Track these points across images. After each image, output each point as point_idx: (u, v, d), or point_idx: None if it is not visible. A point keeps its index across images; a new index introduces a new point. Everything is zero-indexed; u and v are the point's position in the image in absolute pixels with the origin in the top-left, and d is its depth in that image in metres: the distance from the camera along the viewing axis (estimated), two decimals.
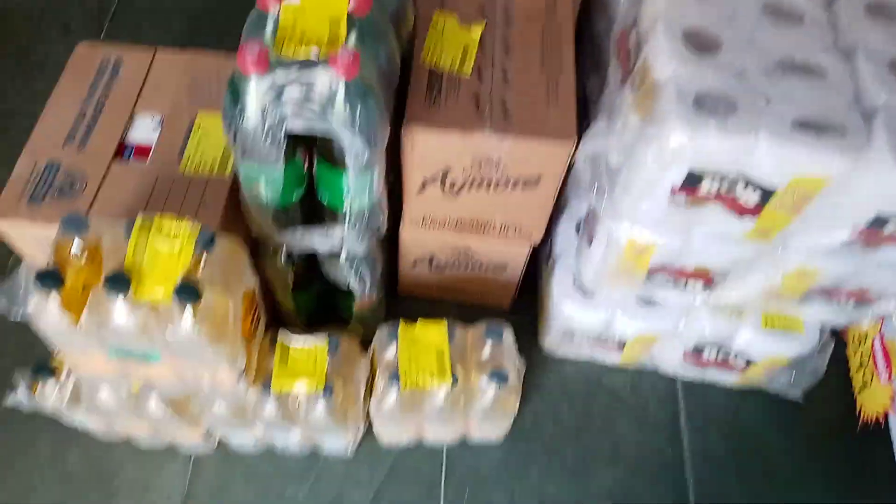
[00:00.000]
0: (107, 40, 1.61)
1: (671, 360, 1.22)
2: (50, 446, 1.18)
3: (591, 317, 1.12)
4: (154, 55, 1.05)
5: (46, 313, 0.76)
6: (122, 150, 0.97)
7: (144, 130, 0.99)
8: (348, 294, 1.11)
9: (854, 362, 1.26)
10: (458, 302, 1.29)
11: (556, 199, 1.14)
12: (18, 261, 0.97)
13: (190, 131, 0.99)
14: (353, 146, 0.75)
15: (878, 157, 0.74)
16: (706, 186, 0.80)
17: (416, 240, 1.10)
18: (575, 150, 0.87)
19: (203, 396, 0.98)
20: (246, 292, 0.84)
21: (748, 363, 1.15)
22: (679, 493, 1.19)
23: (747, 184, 0.79)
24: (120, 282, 0.75)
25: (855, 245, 0.86)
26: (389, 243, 1.14)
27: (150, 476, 1.17)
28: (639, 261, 0.97)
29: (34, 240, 0.92)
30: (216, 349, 0.81)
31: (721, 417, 1.25)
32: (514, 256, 1.11)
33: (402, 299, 1.30)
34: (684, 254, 0.94)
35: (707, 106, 0.76)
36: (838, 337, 1.23)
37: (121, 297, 0.75)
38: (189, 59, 1.04)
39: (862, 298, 1.00)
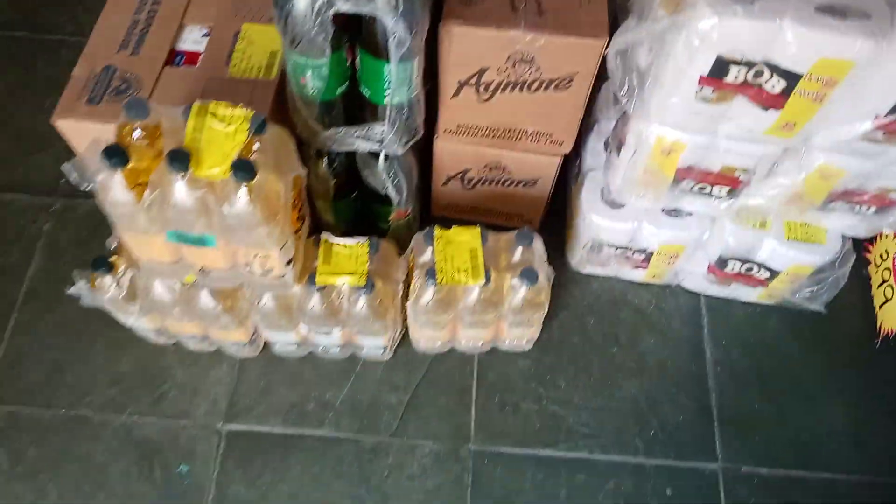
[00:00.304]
0: None
1: (695, 275, 1.26)
2: (104, 351, 1.25)
3: (618, 228, 1.16)
4: None
5: (112, 189, 0.82)
6: (172, 56, 1.03)
7: (193, 40, 1.05)
8: (384, 206, 1.16)
9: (876, 279, 1.29)
10: (490, 222, 1.33)
11: (586, 117, 1.18)
12: None
13: (236, 40, 1.04)
14: (395, 31, 0.80)
15: None
16: (733, 74, 0.84)
17: (449, 152, 1.14)
18: (606, 48, 0.91)
19: (252, 289, 1.04)
20: (295, 177, 0.90)
21: (771, 275, 1.19)
22: (702, 404, 1.23)
23: (773, 72, 0.83)
24: (181, 158, 0.80)
25: (876, 137, 0.89)
26: (424, 161, 1.19)
27: (198, 380, 1.24)
28: (666, 163, 1.01)
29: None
30: (267, 229, 0.86)
31: (744, 332, 1.29)
32: (544, 168, 1.15)
33: (435, 220, 1.35)
34: (710, 153, 0.98)
35: None
36: (860, 255, 1.26)
37: (181, 174, 0.81)
38: None
39: (882, 203, 1.03)
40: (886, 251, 1.26)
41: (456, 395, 1.23)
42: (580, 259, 1.28)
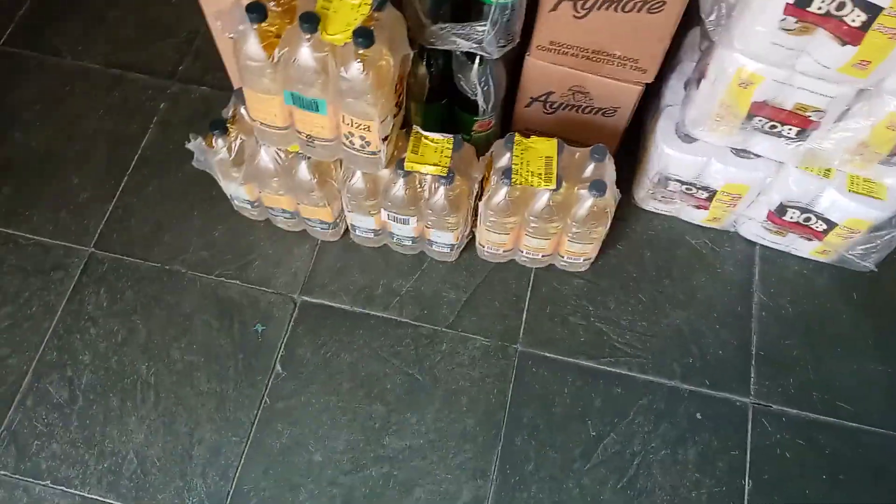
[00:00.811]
0: None
1: (754, 223, 1.32)
2: (202, 218, 1.39)
3: (688, 161, 1.23)
4: None
5: (248, 41, 0.94)
6: None
7: None
8: (471, 115, 1.26)
9: None
10: None
11: (670, 57, 1.25)
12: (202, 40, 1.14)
13: None
14: None
15: None
16: (817, 4, 0.90)
17: (538, 70, 1.23)
18: None
19: (347, 165, 1.15)
20: (404, 56, 1.00)
21: (828, 227, 1.24)
22: (743, 342, 1.29)
23: (855, 5, 0.89)
24: (311, 20, 0.92)
25: None
26: (510, 81, 1.28)
27: (282, 254, 1.36)
28: (742, 95, 1.08)
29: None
30: (374, 98, 0.97)
31: (794, 283, 1.35)
32: (625, 96, 1.23)
33: None
34: (785, 90, 1.05)
35: None
36: None
37: (308, 35, 0.93)
38: None
39: None
40: None
41: (510, 301, 1.32)
42: (646, 194, 1.36)
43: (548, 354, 1.28)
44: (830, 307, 1.33)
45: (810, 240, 1.30)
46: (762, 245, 1.37)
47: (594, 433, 1.22)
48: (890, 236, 1.21)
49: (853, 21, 0.91)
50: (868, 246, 1.25)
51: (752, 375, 1.26)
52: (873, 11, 0.89)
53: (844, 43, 0.94)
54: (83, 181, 1.43)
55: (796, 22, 0.94)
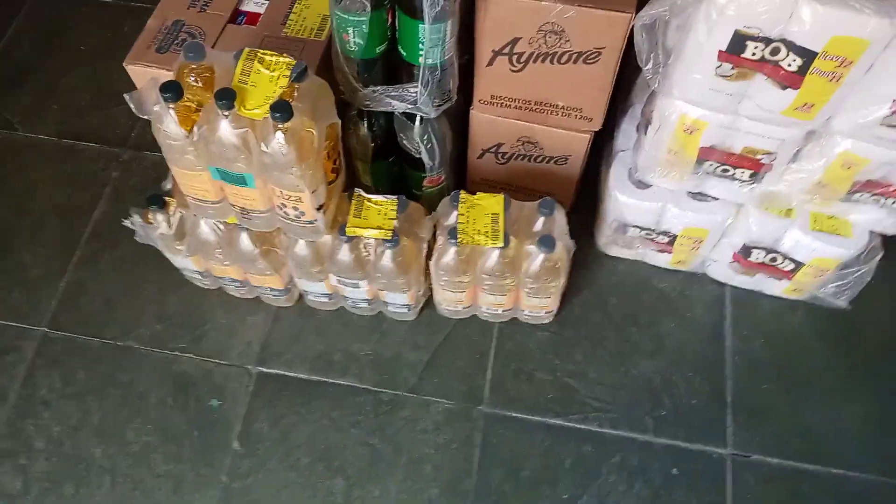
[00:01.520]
0: None
1: (721, 264, 1.27)
2: (154, 290, 1.36)
3: (644, 207, 1.19)
4: None
5: (166, 121, 0.91)
6: (235, 15, 1.13)
7: (255, 2, 1.14)
8: (419, 172, 1.23)
9: None
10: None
11: (621, 101, 1.22)
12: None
13: (294, 3, 1.13)
14: None
15: None
16: (750, 50, 0.87)
17: (484, 124, 1.20)
18: (633, 22, 0.95)
19: (287, 234, 1.11)
20: (330, 125, 0.97)
21: (796, 266, 1.19)
22: (716, 390, 1.24)
23: (789, 50, 0.85)
24: (228, 96, 0.88)
25: (894, 122, 0.90)
26: (460, 134, 1.25)
27: (236, 323, 1.32)
28: (689, 141, 1.04)
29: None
30: (300, 171, 0.94)
31: (766, 324, 1.29)
32: (575, 144, 1.19)
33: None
34: (732, 133, 1.01)
35: None
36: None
37: (226, 111, 0.89)
38: None
39: None
40: None
41: (474, 359, 1.28)
42: (607, 240, 1.32)
43: (514, 414, 1.23)
44: (806, 347, 1.27)
45: (780, 279, 1.25)
46: (732, 286, 1.32)
47: (566, 496, 1.17)
48: (860, 273, 1.16)
49: (790, 66, 0.87)
50: (839, 283, 1.20)
51: (729, 424, 1.21)
52: (808, 56, 0.85)
53: (785, 87, 0.90)
54: (35, 257, 1.40)
55: (732, 68, 0.90)
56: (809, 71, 0.86)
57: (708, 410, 1.22)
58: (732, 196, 1.13)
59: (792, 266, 1.20)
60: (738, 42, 0.86)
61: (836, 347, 1.27)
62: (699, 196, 1.17)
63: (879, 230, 1.12)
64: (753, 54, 0.87)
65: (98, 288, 1.37)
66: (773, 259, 1.20)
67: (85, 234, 1.42)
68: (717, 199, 1.16)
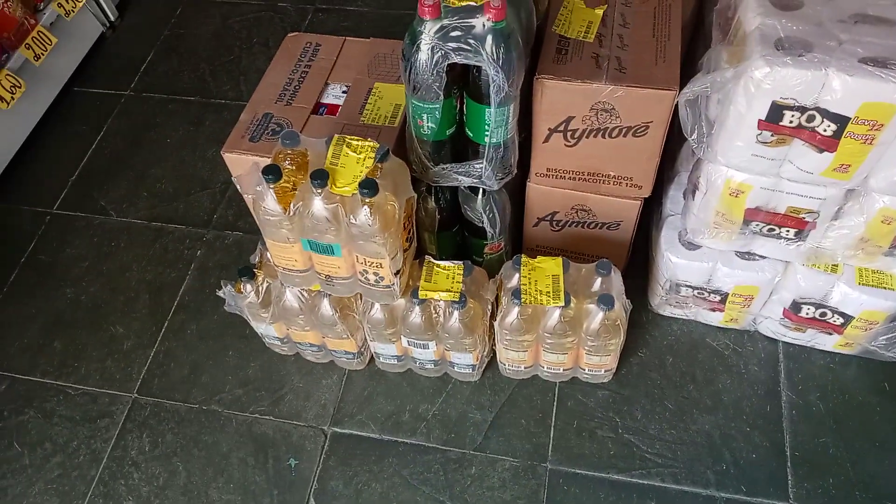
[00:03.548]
0: None
1: (772, 321, 1.33)
2: (236, 357, 1.46)
3: (694, 267, 1.26)
4: (344, 42, 1.36)
5: (266, 199, 1.04)
6: (317, 108, 1.27)
7: (334, 95, 1.29)
8: (481, 240, 1.33)
9: None
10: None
11: (668, 169, 1.32)
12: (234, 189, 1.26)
13: (369, 95, 1.27)
14: (496, 80, 0.99)
15: None
16: (787, 118, 0.96)
17: (540, 195, 1.30)
18: (677, 98, 1.06)
19: (365, 299, 1.22)
20: (408, 198, 1.08)
21: (845, 320, 1.24)
22: (775, 444, 1.27)
23: (823, 117, 0.95)
24: (321, 176, 1.01)
25: None
26: (517, 206, 1.36)
27: (312, 386, 1.41)
28: (735, 204, 1.12)
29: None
30: (382, 239, 1.05)
31: (821, 379, 1.33)
32: (626, 211, 1.28)
33: None
34: (776, 195, 1.09)
35: (786, 48, 0.93)
36: None
37: (319, 190, 1.02)
38: (370, 44, 1.34)
39: None
40: None
41: (536, 418, 1.33)
42: (660, 300, 1.39)
43: (578, 471, 1.27)
44: (862, 400, 1.30)
45: (831, 334, 1.30)
46: (784, 342, 1.37)
47: None
48: None
49: (825, 131, 0.96)
50: (890, 336, 1.24)
51: (789, 478, 1.23)
52: (841, 121, 0.94)
53: (821, 150, 0.99)
54: (127, 330, 1.53)
55: (772, 135, 1.00)
56: (844, 135, 0.95)
57: (768, 464, 1.25)
58: (779, 254, 1.20)
59: (841, 320, 1.25)
60: (776, 112, 0.96)
61: (892, 399, 1.29)
62: (748, 255, 1.24)
63: None
64: (791, 122, 0.97)
65: (184, 356, 1.48)
66: (823, 314, 1.25)
67: (173, 307, 1.54)
68: (764, 257, 1.23)
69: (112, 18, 2.13)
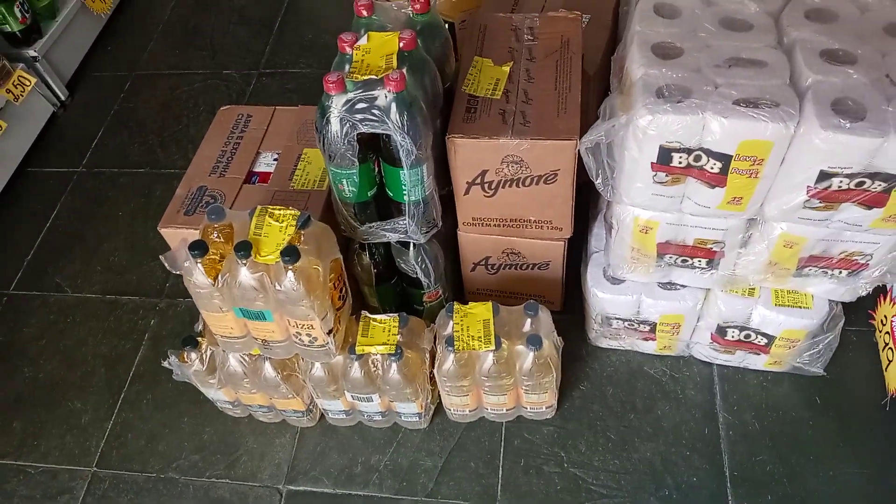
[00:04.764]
0: None
1: (703, 345, 1.38)
2: (191, 423, 1.49)
3: (620, 301, 1.32)
4: (274, 111, 1.42)
5: (194, 273, 1.08)
6: (250, 177, 1.33)
7: (266, 163, 1.34)
8: (419, 289, 1.38)
9: (880, 343, 1.36)
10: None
11: (591, 207, 1.38)
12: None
13: (298, 161, 1.33)
14: (403, 145, 1.05)
15: (808, 121, 0.95)
16: (676, 160, 1.03)
17: (471, 241, 1.36)
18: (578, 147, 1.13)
19: (304, 358, 1.25)
20: (334, 260, 1.13)
21: (768, 340, 1.29)
22: (715, 465, 1.31)
23: (708, 156, 1.01)
24: (244, 248, 1.06)
25: (816, 205, 1.03)
26: (454, 249, 1.41)
27: (265, 447, 1.44)
28: (646, 239, 1.18)
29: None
30: (310, 302, 1.09)
31: (755, 398, 1.38)
32: (552, 251, 1.34)
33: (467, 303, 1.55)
34: (681, 229, 1.15)
35: (667, 95, 1.00)
36: (867, 320, 1.35)
37: (244, 260, 1.06)
38: (299, 111, 1.41)
39: (851, 266, 1.15)
40: (885, 316, 1.34)
41: (485, 460, 1.37)
42: (596, 333, 1.43)
43: None
44: (795, 416, 1.35)
45: (758, 354, 1.35)
46: (718, 364, 1.42)
47: None
48: (828, 339, 1.26)
49: (712, 168, 1.02)
50: (812, 352, 1.29)
51: (729, 498, 1.27)
52: (725, 159, 1.00)
53: (713, 186, 1.05)
54: (84, 404, 1.55)
55: (666, 175, 1.06)
56: (730, 171, 1.01)
57: (709, 486, 1.29)
58: (697, 282, 1.25)
59: (765, 340, 1.30)
60: (665, 154, 1.02)
61: (823, 413, 1.34)
62: (669, 285, 1.30)
63: (835, 298, 1.23)
64: (680, 162, 1.03)
65: (141, 426, 1.50)
66: (748, 336, 1.31)
67: (128, 378, 1.57)
68: (685, 286, 1.29)
69: (63, 98, 2.19)
